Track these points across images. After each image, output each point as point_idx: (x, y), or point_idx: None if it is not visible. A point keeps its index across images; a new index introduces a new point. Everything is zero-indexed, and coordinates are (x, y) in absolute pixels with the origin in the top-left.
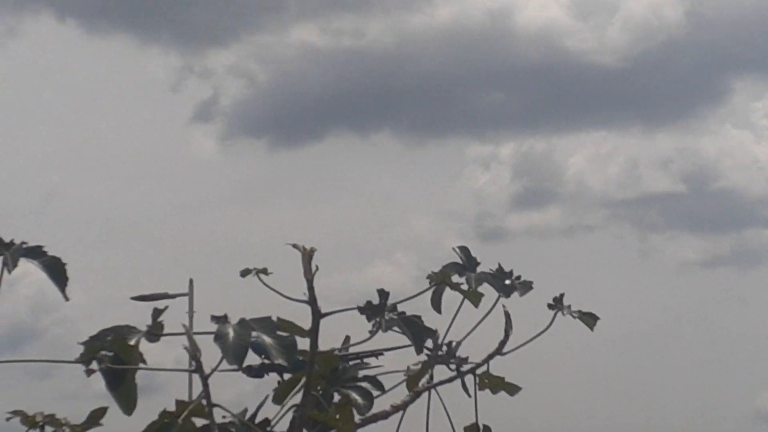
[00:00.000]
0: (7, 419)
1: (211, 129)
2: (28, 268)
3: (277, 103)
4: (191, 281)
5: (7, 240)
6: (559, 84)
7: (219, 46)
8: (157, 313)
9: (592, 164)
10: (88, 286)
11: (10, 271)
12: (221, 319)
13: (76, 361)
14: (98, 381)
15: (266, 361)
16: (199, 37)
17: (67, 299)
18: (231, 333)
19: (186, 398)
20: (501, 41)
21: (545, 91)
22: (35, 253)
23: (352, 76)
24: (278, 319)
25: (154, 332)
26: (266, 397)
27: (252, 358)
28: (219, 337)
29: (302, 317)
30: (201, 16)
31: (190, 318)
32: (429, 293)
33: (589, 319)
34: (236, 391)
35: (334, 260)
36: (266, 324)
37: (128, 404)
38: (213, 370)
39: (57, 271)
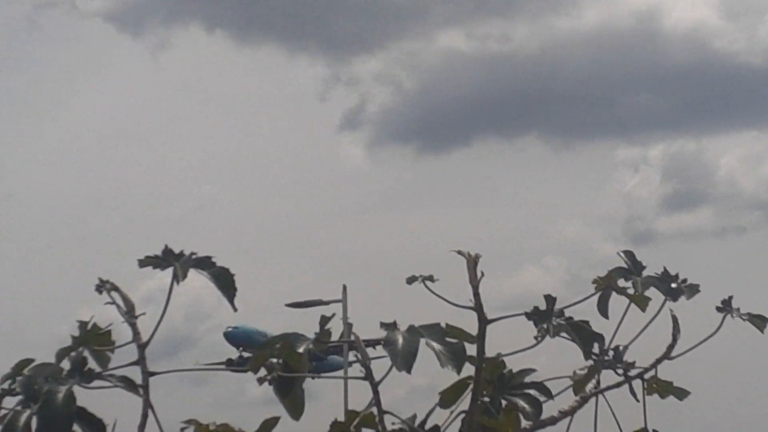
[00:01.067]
0: (182, 429)
1: (358, 137)
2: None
3: (424, 109)
4: (344, 287)
5: (176, 251)
6: (709, 85)
7: (365, 54)
8: (324, 320)
9: (743, 164)
10: (241, 294)
11: (179, 282)
12: (390, 326)
13: (246, 369)
14: (253, 388)
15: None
16: (345, 45)
17: (235, 310)
18: (400, 340)
19: (341, 405)
20: (649, 43)
21: (694, 92)
22: (204, 263)
23: (499, 80)
24: (447, 325)
25: (322, 339)
26: (435, 405)
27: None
28: (388, 344)
29: (458, 322)
30: (347, 24)
31: (345, 325)
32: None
33: (759, 321)
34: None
35: (483, 265)
36: (435, 330)
37: (296, 410)
38: (383, 378)
39: (225, 281)
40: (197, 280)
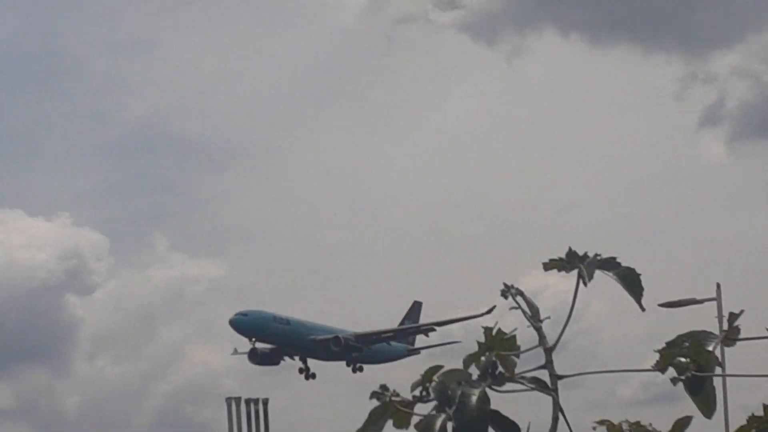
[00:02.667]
0: (593, 428)
1: (718, 133)
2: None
3: None
4: (718, 285)
5: (581, 253)
6: None
7: (723, 49)
8: (732, 317)
9: None
10: (606, 295)
11: (586, 284)
12: None
13: (653, 369)
14: (624, 389)
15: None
16: (702, 41)
17: (643, 309)
18: None
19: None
20: None
21: None
22: (610, 264)
23: None
24: None
25: (732, 337)
26: None
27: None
28: None
29: None
30: (705, 19)
31: (720, 323)
32: None
33: None
34: None
35: None
36: None
37: (709, 408)
38: None
39: (632, 281)
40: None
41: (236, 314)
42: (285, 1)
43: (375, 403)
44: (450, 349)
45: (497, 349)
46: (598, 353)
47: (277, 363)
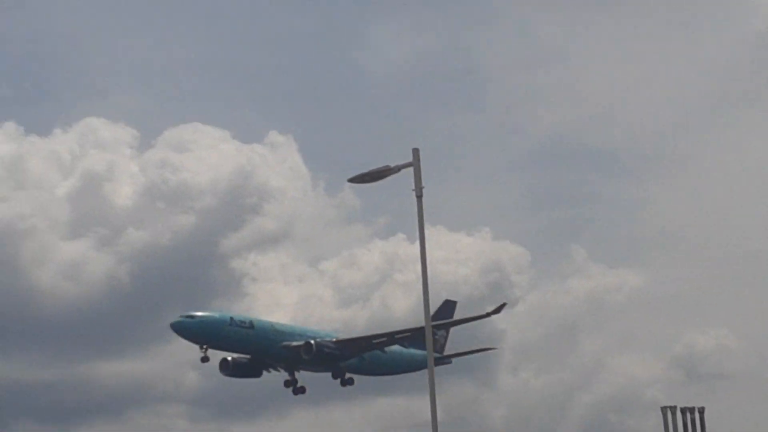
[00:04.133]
0: None
1: None
2: None
3: None
4: None
5: None
6: None
7: None
8: None
9: None
10: None
11: None
12: None
13: None
14: None
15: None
16: None
17: None
18: None
19: None
20: None
21: None
22: None
23: None
24: None
25: None
26: None
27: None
28: None
29: None
30: None
31: None
32: None
33: None
34: None
35: None
36: None
37: None
38: None
39: None
40: None
41: (180, 316)
42: (693, 6)
43: None
44: None
45: None
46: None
47: (257, 375)
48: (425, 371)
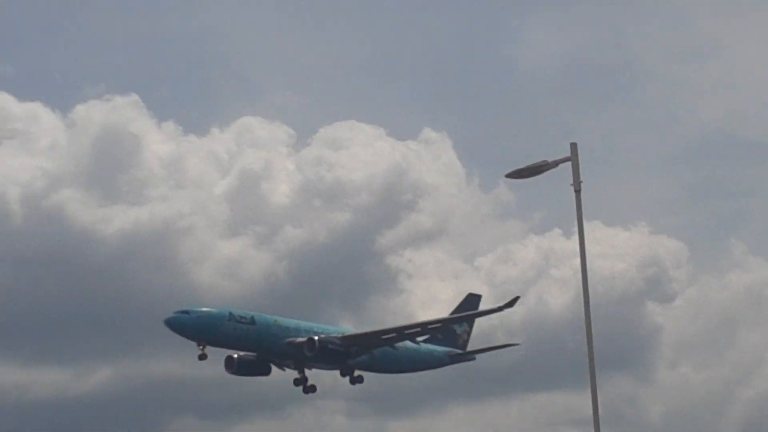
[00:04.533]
0: None
1: None
2: None
3: None
4: None
5: None
6: None
7: None
8: None
9: None
10: None
11: None
12: None
13: None
14: None
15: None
16: None
17: None
18: None
19: None
20: None
21: None
22: None
23: None
24: None
25: None
26: None
27: None
28: None
29: None
30: None
31: None
32: None
33: None
34: None
35: None
36: None
37: None
38: None
39: None
40: None
41: (175, 312)
42: None
43: None
44: None
45: None
46: None
47: (266, 373)
48: (443, 368)
